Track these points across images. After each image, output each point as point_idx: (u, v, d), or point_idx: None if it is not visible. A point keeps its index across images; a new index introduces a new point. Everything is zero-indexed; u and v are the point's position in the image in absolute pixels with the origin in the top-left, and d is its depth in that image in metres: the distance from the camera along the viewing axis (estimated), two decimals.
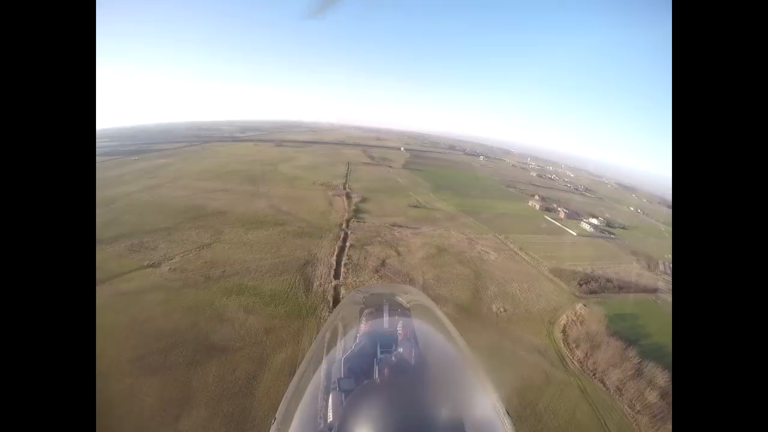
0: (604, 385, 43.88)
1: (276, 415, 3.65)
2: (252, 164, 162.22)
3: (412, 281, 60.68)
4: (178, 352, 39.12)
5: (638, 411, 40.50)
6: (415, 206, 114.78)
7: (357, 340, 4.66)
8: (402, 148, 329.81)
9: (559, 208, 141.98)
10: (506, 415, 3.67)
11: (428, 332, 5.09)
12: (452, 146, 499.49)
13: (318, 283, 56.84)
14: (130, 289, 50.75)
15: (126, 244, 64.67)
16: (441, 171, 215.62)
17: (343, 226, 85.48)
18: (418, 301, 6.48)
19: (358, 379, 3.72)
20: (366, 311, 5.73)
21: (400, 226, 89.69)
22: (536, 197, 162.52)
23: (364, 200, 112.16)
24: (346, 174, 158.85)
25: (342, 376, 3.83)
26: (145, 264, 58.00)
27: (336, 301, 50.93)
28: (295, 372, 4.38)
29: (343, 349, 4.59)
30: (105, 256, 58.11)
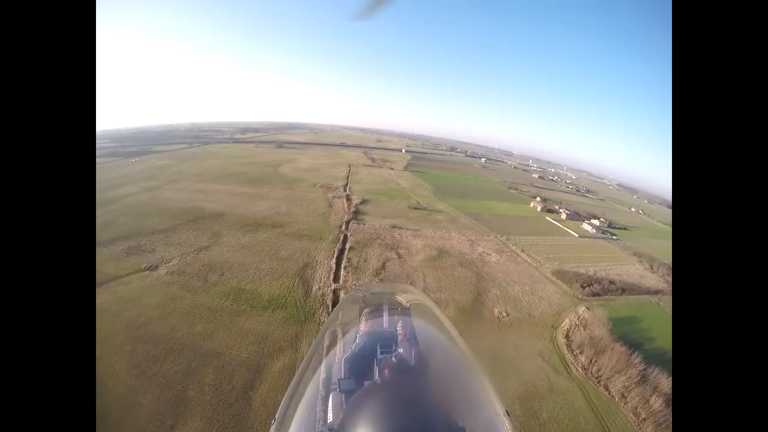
0: (609, 391, 43.09)
1: (276, 416, 3.54)
2: (252, 166, 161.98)
3: (412, 284, 59.43)
4: (174, 360, 38.33)
5: (643, 419, 39.70)
6: (416, 208, 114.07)
7: (357, 340, 4.65)
8: (403, 150, 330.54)
9: (560, 210, 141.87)
10: (506, 415, 3.63)
11: (428, 332, 5.09)
12: (453, 148, 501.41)
13: (317, 286, 56.00)
14: (127, 292, 50.08)
15: (123, 247, 64.15)
16: (442, 173, 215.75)
17: (343, 228, 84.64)
18: (417, 301, 6.44)
19: (358, 379, 3.69)
20: (366, 311, 5.72)
21: (401, 228, 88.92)
22: (538, 199, 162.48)
23: (364, 202, 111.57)
24: (347, 176, 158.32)
25: (342, 376, 3.83)
26: (143, 267, 57.29)
27: (335, 305, 49.38)
28: (294, 374, 4.20)
29: (342, 349, 4.63)
30: (102, 259, 57.72)
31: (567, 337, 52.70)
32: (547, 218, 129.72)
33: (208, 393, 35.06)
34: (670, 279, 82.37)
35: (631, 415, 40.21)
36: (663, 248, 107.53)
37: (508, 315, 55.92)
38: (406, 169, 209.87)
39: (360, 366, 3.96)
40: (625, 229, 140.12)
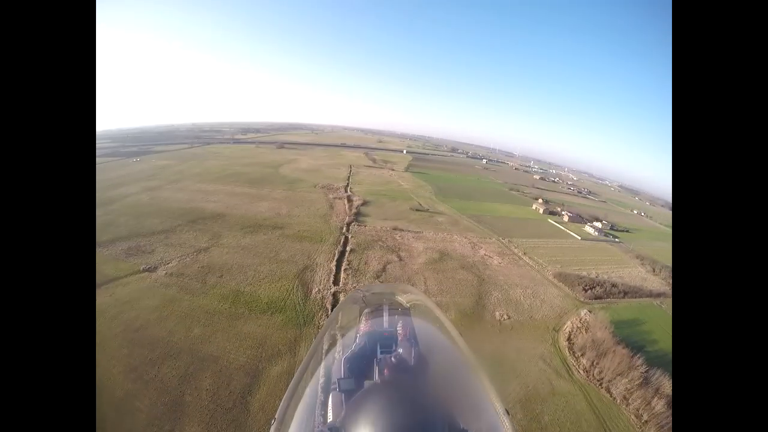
0: (611, 394, 42.81)
1: (276, 415, 3.51)
2: (253, 166, 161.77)
3: (413, 286, 59.02)
4: (172, 364, 37.95)
5: (645, 421, 39.52)
6: (418, 210, 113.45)
7: (357, 340, 4.66)
8: (404, 151, 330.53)
9: (563, 212, 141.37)
10: (506, 414, 3.61)
11: (428, 332, 5.10)
12: (454, 149, 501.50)
13: (317, 289, 55.54)
14: (125, 294, 49.73)
15: (123, 247, 63.90)
16: (443, 174, 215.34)
17: (344, 230, 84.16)
18: (417, 301, 6.45)
19: (358, 379, 3.70)
20: (366, 311, 5.73)
21: (402, 230, 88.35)
22: (540, 200, 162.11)
23: (365, 203, 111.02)
24: (348, 177, 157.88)
25: (342, 376, 3.83)
26: (141, 268, 56.95)
27: (335, 308, 48.74)
28: (293, 377, 4.14)
29: (342, 349, 4.61)
30: (101, 260, 57.39)
31: (569, 339, 52.35)
32: (550, 220, 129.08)
33: (206, 398, 34.66)
34: (671, 281, 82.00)
35: (633, 417, 39.95)
36: (665, 251, 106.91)
37: (509, 318, 55.44)
38: (407, 170, 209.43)
39: (360, 366, 3.98)
40: (627, 231, 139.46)
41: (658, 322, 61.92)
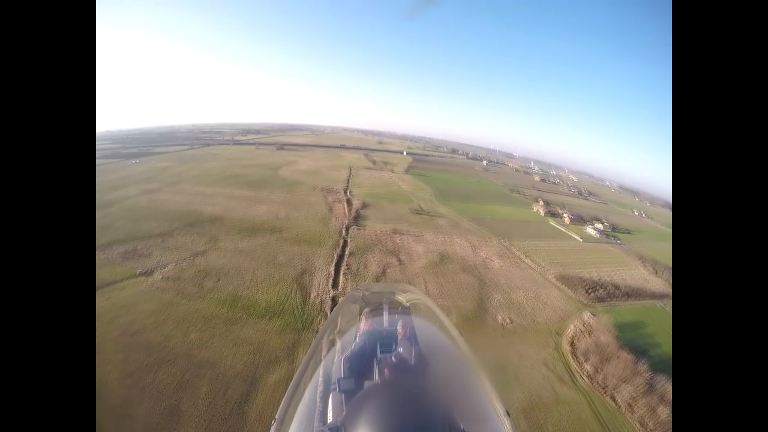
0: (615, 401, 42.24)
1: (276, 416, 3.45)
2: (252, 168, 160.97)
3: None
4: (168, 370, 37.30)
5: (650, 429, 39.03)
6: (418, 212, 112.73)
7: (357, 340, 4.61)
8: (404, 152, 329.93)
9: (563, 213, 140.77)
10: (506, 414, 3.62)
11: (428, 331, 5.10)
12: (454, 150, 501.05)
13: (315, 293, 54.81)
14: (122, 298, 49.06)
15: (120, 251, 63.11)
16: (444, 176, 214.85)
17: (343, 233, 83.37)
18: (417, 300, 6.44)
19: (358, 378, 3.67)
20: (365, 310, 5.72)
21: (402, 233, 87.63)
22: (540, 202, 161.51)
23: (365, 206, 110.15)
24: (348, 179, 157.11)
25: (342, 375, 3.79)
26: (138, 272, 56.21)
27: None
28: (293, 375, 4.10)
29: (342, 349, 4.59)
30: (98, 263, 56.58)
31: (572, 344, 51.92)
32: (551, 222, 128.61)
33: (203, 406, 34.06)
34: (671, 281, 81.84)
35: (638, 425, 39.31)
36: (666, 251, 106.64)
37: (511, 322, 54.87)
38: (407, 171, 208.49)
39: (360, 365, 3.96)
40: (628, 232, 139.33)
41: (661, 324, 61.68)
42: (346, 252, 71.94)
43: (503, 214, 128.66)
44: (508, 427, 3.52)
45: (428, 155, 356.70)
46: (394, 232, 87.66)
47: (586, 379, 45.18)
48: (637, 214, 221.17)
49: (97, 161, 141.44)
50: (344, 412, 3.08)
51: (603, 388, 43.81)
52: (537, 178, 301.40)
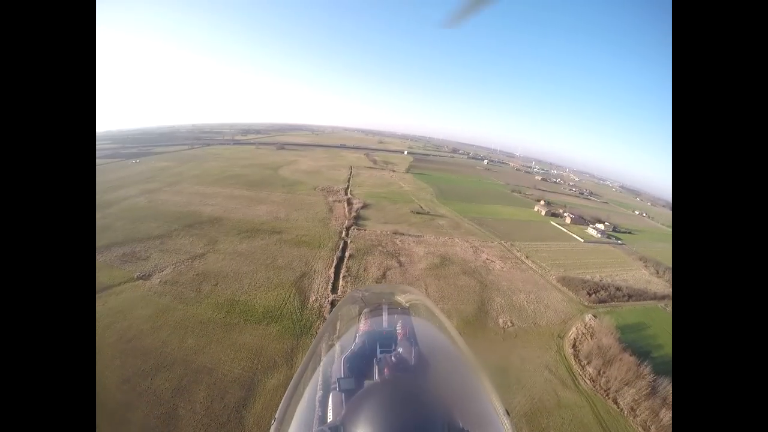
0: (618, 405, 41.79)
1: (276, 415, 3.50)
2: (252, 168, 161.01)
3: None
4: (165, 375, 36.85)
5: None
6: (419, 213, 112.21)
7: (356, 340, 4.63)
8: (405, 152, 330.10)
9: (565, 214, 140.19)
10: (506, 414, 3.66)
11: (427, 331, 5.12)
12: (455, 150, 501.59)
13: (314, 297, 54.17)
14: (119, 303, 48.60)
15: (118, 253, 62.81)
16: (445, 175, 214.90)
17: (343, 234, 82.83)
18: (417, 301, 6.49)
19: (358, 378, 3.68)
20: (365, 310, 5.74)
21: (403, 234, 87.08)
22: (542, 202, 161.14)
23: (365, 206, 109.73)
24: (348, 179, 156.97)
25: (342, 375, 3.81)
26: (136, 276, 55.79)
27: None
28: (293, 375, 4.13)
29: (342, 349, 4.59)
30: (96, 266, 56.04)
31: (574, 347, 51.44)
32: (552, 222, 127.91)
33: (200, 411, 33.65)
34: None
35: (640, 429, 38.97)
36: (668, 252, 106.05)
37: (513, 325, 54.29)
38: (408, 171, 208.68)
39: (359, 365, 3.97)
40: (629, 233, 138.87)
41: (663, 325, 61.17)
42: (346, 254, 71.32)
43: (504, 215, 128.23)
44: (508, 427, 3.54)
45: (429, 155, 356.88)
46: (395, 233, 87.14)
47: (588, 382, 44.70)
48: (638, 214, 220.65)
49: (97, 161, 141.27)
50: (344, 412, 3.06)
51: (605, 392, 43.38)
52: (538, 178, 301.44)
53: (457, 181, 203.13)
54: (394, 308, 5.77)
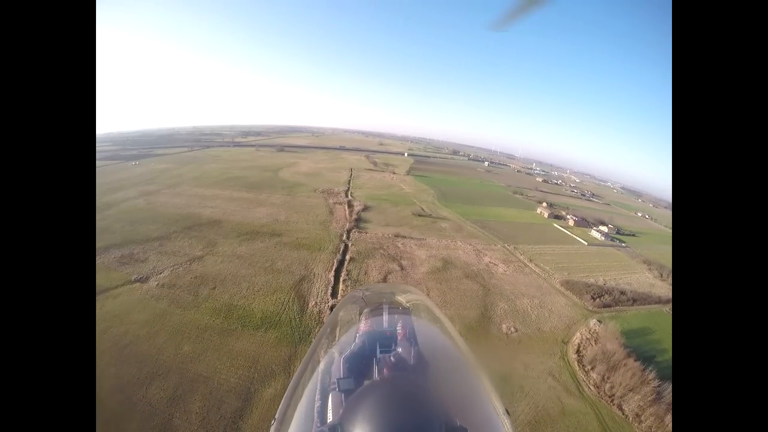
0: (623, 411, 41.10)
1: (276, 415, 3.51)
2: (252, 170, 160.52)
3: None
4: (160, 384, 36.01)
5: None
6: (420, 215, 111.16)
7: (356, 340, 4.59)
8: (405, 154, 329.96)
9: (567, 216, 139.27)
10: (506, 414, 3.67)
11: (428, 332, 5.10)
12: (456, 151, 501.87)
13: (314, 302, 53.15)
14: (115, 307, 47.81)
15: (116, 255, 62.15)
16: (446, 177, 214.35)
17: (344, 237, 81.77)
18: (417, 301, 6.47)
19: (358, 379, 3.63)
20: (365, 310, 5.70)
21: (404, 237, 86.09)
22: (544, 204, 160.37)
23: (366, 209, 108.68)
24: (349, 181, 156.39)
25: (341, 375, 3.80)
26: (133, 278, 55.09)
27: None
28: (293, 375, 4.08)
29: (342, 349, 4.44)
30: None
31: (578, 352, 50.57)
32: (555, 225, 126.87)
33: (195, 422, 32.82)
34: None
35: None
36: (670, 254, 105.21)
37: (516, 331, 53.35)
38: (408, 173, 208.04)
39: (359, 365, 3.96)
40: (633, 235, 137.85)
41: (668, 330, 60.31)
42: (347, 257, 70.31)
43: (507, 217, 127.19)
44: (508, 426, 3.52)
45: (429, 156, 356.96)
46: (396, 236, 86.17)
47: (593, 388, 43.89)
48: (640, 215, 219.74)
49: (97, 163, 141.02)
50: (343, 411, 3.00)
51: (610, 398, 42.67)
52: (539, 180, 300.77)
53: (459, 183, 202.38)
54: (395, 308, 5.72)
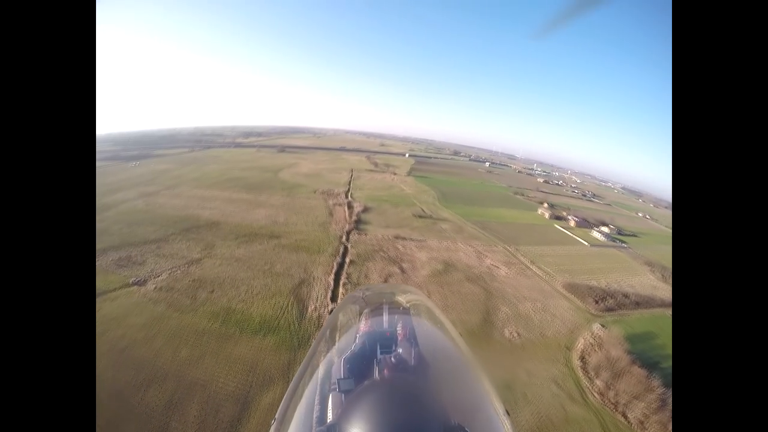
0: (627, 419, 40.37)
1: (276, 416, 3.53)
2: (252, 171, 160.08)
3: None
4: (157, 389, 35.41)
5: None
6: (421, 216, 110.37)
7: (356, 340, 4.62)
8: (406, 155, 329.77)
9: (569, 216, 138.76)
10: (506, 414, 3.65)
11: (428, 332, 5.14)
12: (456, 152, 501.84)
13: (313, 306, 52.27)
14: (112, 310, 47.16)
15: (114, 258, 61.54)
16: (447, 178, 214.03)
17: (344, 239, 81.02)
18: (417, 301, 6.45)
19: (358, 379, 3.65)
20: (366, 311, 5.78)
21: (405, 239, 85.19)
22: (545, 205, 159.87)
23: (366, 210, 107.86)
24: (349, 182, 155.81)
25: (341, 376, 3.82)
26: (130, 281, 54.43)
27: None
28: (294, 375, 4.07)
29: (342, 349, 4.53)
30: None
31: (582, 359, 49.75)
32: (556, 225, 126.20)
33: (192, 428, 32.20)
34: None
35: None
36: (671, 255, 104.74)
37: (519, 336, 52.53)
38: (409, 174, 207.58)
39: (359, 366, 3.96)
40: (634, 236, 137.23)
41: (670, 334, 59.38)
42: (347, 260, 69.46)
43: (508, 218, 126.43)
44: (508, 426, 3.52)
45: (430, 157, 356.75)
46: (397, 237, 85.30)
47: (597, 396, 43.15)
48: (641, 216, 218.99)
49: (97, 164, 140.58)
50: (343, 411, 3.03)
51: (614, 405, 41.97)
52: (540, 180, 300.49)
53: (460, 183, 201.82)
54: (395, 308, 5.77)
